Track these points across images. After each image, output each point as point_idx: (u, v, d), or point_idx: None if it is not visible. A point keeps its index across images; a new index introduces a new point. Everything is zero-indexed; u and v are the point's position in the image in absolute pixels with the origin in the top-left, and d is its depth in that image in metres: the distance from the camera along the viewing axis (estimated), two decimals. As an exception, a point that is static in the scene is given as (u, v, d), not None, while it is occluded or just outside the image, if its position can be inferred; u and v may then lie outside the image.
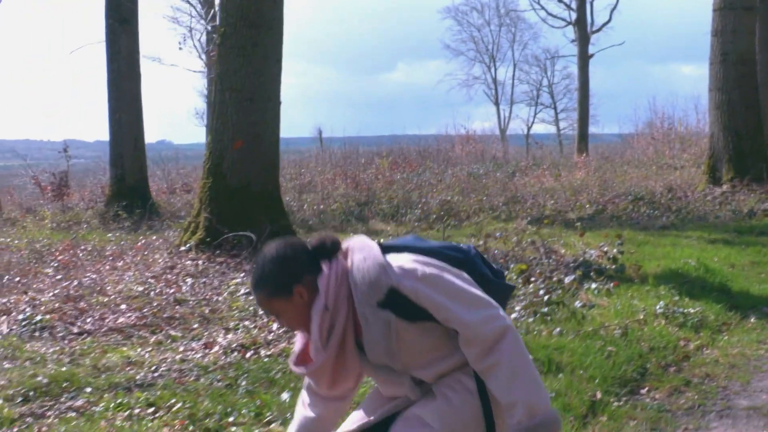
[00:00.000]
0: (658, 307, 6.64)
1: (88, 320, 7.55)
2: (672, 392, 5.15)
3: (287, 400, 4.91)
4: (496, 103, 55.86)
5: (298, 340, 2.92)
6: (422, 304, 2.63)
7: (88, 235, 13.04)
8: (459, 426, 2.69)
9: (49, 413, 5.13)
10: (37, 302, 8.04)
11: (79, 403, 5.24)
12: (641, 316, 6.46)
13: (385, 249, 2.78)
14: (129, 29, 16.02)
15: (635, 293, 7.16)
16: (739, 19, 15.42)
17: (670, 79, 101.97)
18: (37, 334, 7.16)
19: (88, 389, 5.43)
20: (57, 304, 7.94)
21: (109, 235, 12.55)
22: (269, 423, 4.68)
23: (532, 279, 7.43)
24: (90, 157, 34.95)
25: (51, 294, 8.35)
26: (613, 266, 8.12)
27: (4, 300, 8.22)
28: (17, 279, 9.25)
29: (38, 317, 7.45)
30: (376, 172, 20.93)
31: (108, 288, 8.60)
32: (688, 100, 67.23)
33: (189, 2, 30.58)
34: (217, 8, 29.89)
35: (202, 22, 28.30)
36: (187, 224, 10.28)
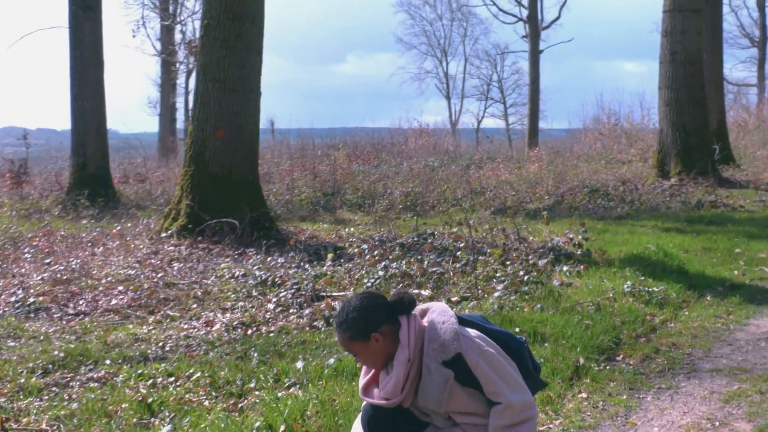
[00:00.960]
0: (625, 286, 7.33)
1: (81, 302, 7.94)
2: (644, 358, 5.82)
3: (301, 368, 5.40)
4: (447, 97, 56.97)
5: (364, 373, 3.50)
6: (477, 375, 3.23)
7: (56, 222, 13.27)
8: None
9: (72, 383, 5.54)
10: (26, 285, 8.37)
11: (100, 374, 5.66)
12: (611, 295, 7.13)
13: (458, 319, 3.41)
14: (93, 16, 16.22)
15: (603, 275, 7.84)
16: (687, 21, 16.33)
17: (614, 75, 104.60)
18: (32, 315, 7.54)
19: (107, 361, 5.86)
20: (47, 287, 8.28)
21: (84, 222, 12.80)
22: (289, 387, 5.17)
23: (508, 262, 8.07)
24: (35, 146, 34.55)
25: (39, 277, 8.68)
26: (579, 251, 8.81)
27: (-7, 283, 8.54)
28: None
29: (31, 299, 7.81)
30: (335, 164, 21.39)
31: (94, 272, 8.95)
32: (634, 97, 69.38)
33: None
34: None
35: (156, 10, 28.37)
36: (167, 211, 10.64)
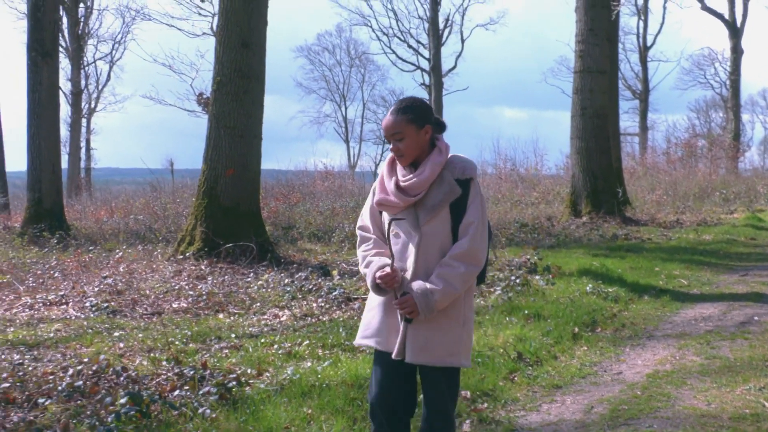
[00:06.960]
0: (587, 288, 10.45)
1: (145, 306, 10.22)
2: (615, 330, 8.89)
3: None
4: (346, 141, 60.76)
5: (385, 177, 4.04)
6: (467, 203, 3.88)
7: (20, 253, 15.25)
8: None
9: (212, 350, 7.95)
10: (87, 295, 10.57)
11: (231, 344, 8.06)
12: (577, 293, 10.21)
13: None
14: (51, 62, 18.40)
15: (567, 281, 10.93)
16: (594, 81, 20.13)
17: (494, 121, 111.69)
18: (110, 315, 9.71)
19: (232, 335, 8.33)
20: (107, 296, 10.53)
21: (45, 251, 14.90)
22: (385, 345, 7.84)
23: (489, 273, 11.03)
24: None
25: (97, 288, 10.91)
26: (538, 267, 11.90)
27: (54, 295, 10.69)
28: (34, 283, 11.61)
29: (104, 305, 10.04)
30: (263, 202, 23.90)
31: (135, 286, 11.23)
32: (528, 144, 75.83)
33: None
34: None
35: (66, 51, 30.23)
36: (181, 237, 13.05)
